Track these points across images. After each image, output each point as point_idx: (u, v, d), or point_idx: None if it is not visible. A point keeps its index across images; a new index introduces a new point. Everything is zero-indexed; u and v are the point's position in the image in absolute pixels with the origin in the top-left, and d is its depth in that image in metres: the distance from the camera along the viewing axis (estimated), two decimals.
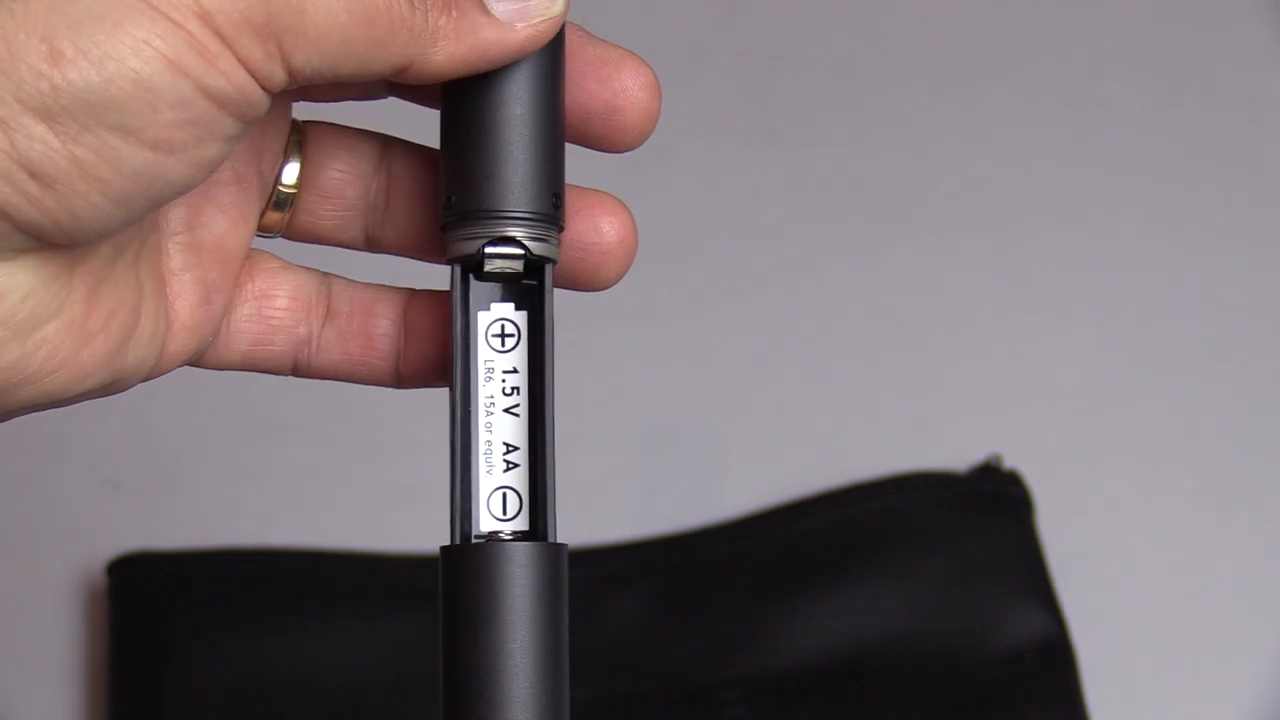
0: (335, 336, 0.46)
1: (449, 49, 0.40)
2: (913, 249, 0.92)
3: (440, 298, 0.46)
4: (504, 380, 0.44)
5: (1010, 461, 0.84)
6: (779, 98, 0.96)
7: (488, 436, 0.44)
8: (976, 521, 0.82)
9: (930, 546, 0.81)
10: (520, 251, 0.43)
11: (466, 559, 0.42)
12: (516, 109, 0.42)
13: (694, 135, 0.94)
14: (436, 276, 0.46)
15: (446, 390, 0.44)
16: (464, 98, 0.42)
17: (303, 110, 0.45)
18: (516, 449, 0.44)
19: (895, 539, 0.81)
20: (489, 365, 0.44)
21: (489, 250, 0.42)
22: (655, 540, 0.83)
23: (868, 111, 0.96)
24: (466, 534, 0.43)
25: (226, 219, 0.44)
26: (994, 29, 0.99)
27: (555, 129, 0.43)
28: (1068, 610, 0.80)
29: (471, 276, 0.43)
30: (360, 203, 0.46)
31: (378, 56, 0.39)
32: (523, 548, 0.42)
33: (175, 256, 0.43)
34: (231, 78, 0.38)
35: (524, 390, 0.44)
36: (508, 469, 0.44)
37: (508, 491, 0.44)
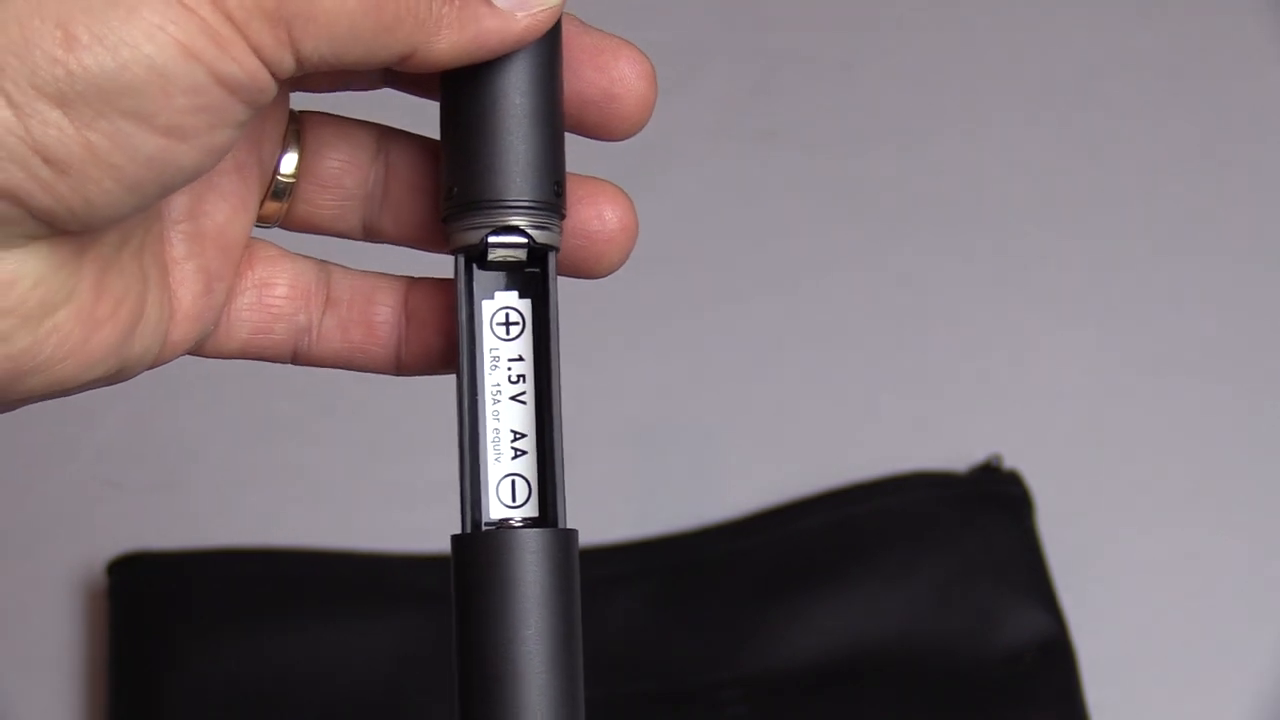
0: (336, 324, 0.46)
1: (451, 37, 0.41)
2: (913, 249, 0.92)
3: (440, 285, 0.46)
4: (510, 368, 0.44)
5: (1010, 461, 0.84)
6: (779, 98, 0.96)
7: (495, 425, 0.44)
8: (976, 521, 0.82)
9: (930, 546, 0.81)
10: (523, 240, 0.43)
11: (478, 547, 0.42)
12: (516, 98, 0.42)
13: (694, 135, 0.94)
14: (433, 265, 0.46)
15: (446, 387, 0.44)
16: (464, 88, 0.42)
17: (299, 100, 0.45)
18: (524, 436, 0.44)
19: (895, 539, 0.81)
20: (494, 354, 0.44)
21: (492, 240, 0.43)
22: (655, 540, 0.83)
23: (868, 111, 0.96)
24: (477, 522, 0.43)
25: (228, 207, 0.44)
26: (994, 29, 0.99)
27: (555, 118, 0.43)
28: (1068, 610, 0.80)
29: (475, 266, 0.44)
30: (358, 192, 0.46)
31: (384, 44, 0.40)
32: (533, 534, 0.42)
33: (178, 245, 0.43)
34: (244, 64, 0.38)
35: (530, 377, 0.44)
36: (516, 456, 0.44)
37: (516, 479, 0.44)
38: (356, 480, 0.86)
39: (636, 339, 0.89)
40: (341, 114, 0.46)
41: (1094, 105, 0.97)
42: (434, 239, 0.45)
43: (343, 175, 0.46)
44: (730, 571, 0.82)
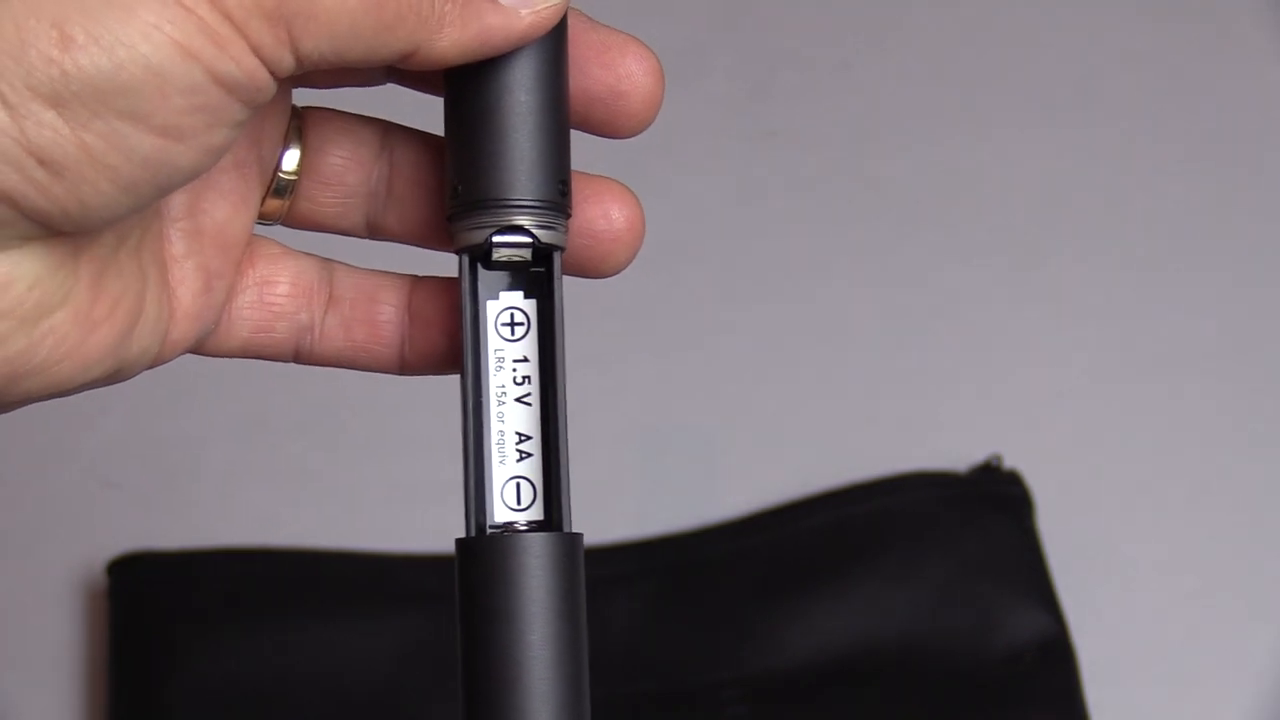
0: (338, 323, 0.46)
1: (454, 35, 0.40)
2: (912, 249, 0.92)
3: (445, 284, 0.46)
4: (515, 369, 0.43)
5: (1010, 461, 0.84)
6: (779, 98, 0.96)
7: (500, 426, 0.43)
8: (976, 521, 0.82)
9: (930, 546, 0.81)
10: (528, 240, 0.42)
11: (482, 551, 0.42)
12: (522, 96, 0.42)
13: (694, 135, 0.94)
14: (438, 263, 0.46)
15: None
16: (469, 86, 0.42)
17: (303, 96, 0.45)
18: (529, 438, 0.43)
19: (895, 539, 0.81)
20: (499, 354, 0.43)
21: (497, 239, 0.42)
22: (655, 540, 0.83)
23: (868, 111, 0.96)
24: (481, 525, 0.43)
25: (228, 205, 0.44)
26: (994, 29, 0.99)
27: (561, 116, 0.43)
28: (1068, 610, 0.80)
29: (480, 265, 0.43)
30: (361, 189, 0.46)
31: (385, 42, 0.39)
32: (539, 538, 0.42)
33: (177, 243, 0.43)
34: (242, 63, 0.37)
35: (535, 379, 0.43)
36: (521, 459, 0.43)
37: (521, 481, 0.43)
38: (356, 480, 0.86)
39: (636, 339, 0.89)
40: (345, 110, 0.46)
41: (1094, 105, 0.97)
42: (439, 237, 0.45)
43: (345, 172, 0.45)
44: (730, 571, 0.82)
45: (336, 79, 0.44)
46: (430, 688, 0.77)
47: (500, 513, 0.43)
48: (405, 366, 0.46)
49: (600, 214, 0.44)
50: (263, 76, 0.38)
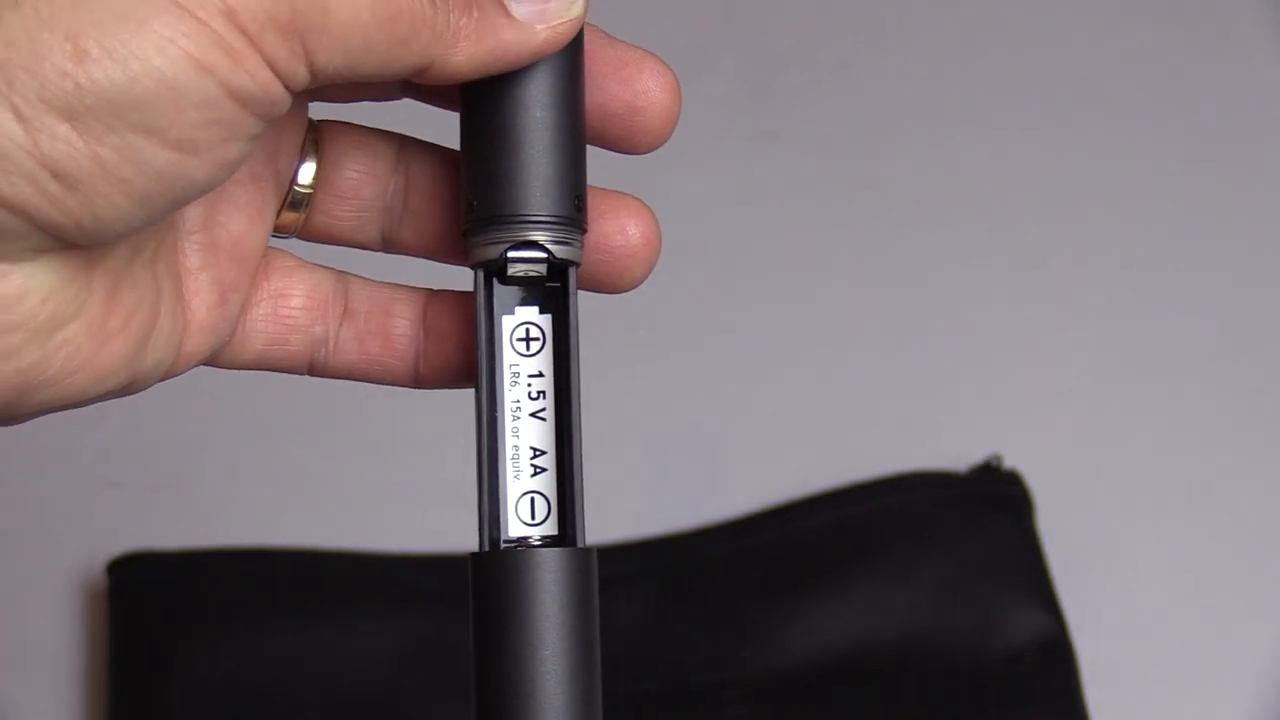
0: (353, 336, 0.46)
1: (469, 50, 0.40)
2: (912, 249, 0.92)
3: (460, 298, 0.46)
4: (530, 384, 0.43)
5: (1010, 461, 0.84)
6: (779, 98, 0.96)
7: (515, 441, 0.43)
8: (976, 521, 0.82)
9: (930, 546, 0.81)
10: (543, 255, 0.42)
11: (496, 566, 0.42)
12: (537, 111, 0.42)
13: (694, 135, 0.94)
14: (452, 277, 0.46)
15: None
16: (484, 101, 0.42)
17: (319, 110, 0.45)
18: (544, 453, 0.43)
19: (895, 539, 0.81)
20: (514, 370, 0.43)
21: (512, 255, 0.42)
22: (655, 540, 0.83)
23: (868, 111, 0.96)
24: (495, 540, 0.43)
25: (243, 218, 0.44)
26: (994, 29, 0.99)
27: (576, 131, 0.42)
28: (1068, 610, 0.80)
29: (495, 280, 0.43)
30: (377, 203, 0.45)
31: (399, 56, 0.39)
32: (553, 554, 0.42)
33: (192, 255, 0.43)
34: (257, 77, 0.37)
35: (550, 394, 0.43)
36: (535, 474, 0.43)
37: (536, 496, 0.43)
38: (357, 480, 0.86)
39: (636, 339, 0.89)
40: (362, 124, 0.46)
41: (1094, 105, 0.97)
42: (454, 251, 0.45)
43: (361, 186, 0.45)
44: (731, 571, 0.82)
45: (352, 93, 0.44)
46: (430, 688, 0.77)
47: (514, 527, 0.43)
48: (420, 380, 0.46)
49: (617, 230, 0.44)
50: (277, 90, 0.38)
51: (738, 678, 0.78)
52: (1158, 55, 0.98)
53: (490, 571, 0.42)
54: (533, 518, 0.43)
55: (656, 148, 0.44)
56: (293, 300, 0.45)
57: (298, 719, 0.77)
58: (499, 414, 0.43)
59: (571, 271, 0.43)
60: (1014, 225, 0.93)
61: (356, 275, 0.46)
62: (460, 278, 0.45)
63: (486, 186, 0.42)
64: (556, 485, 0.43)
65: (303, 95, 0.40)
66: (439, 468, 0.84)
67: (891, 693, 0.78)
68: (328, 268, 0.46)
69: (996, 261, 0.92)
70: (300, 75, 0.38)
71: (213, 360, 0.45)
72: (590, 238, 0.44)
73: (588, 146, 0.43)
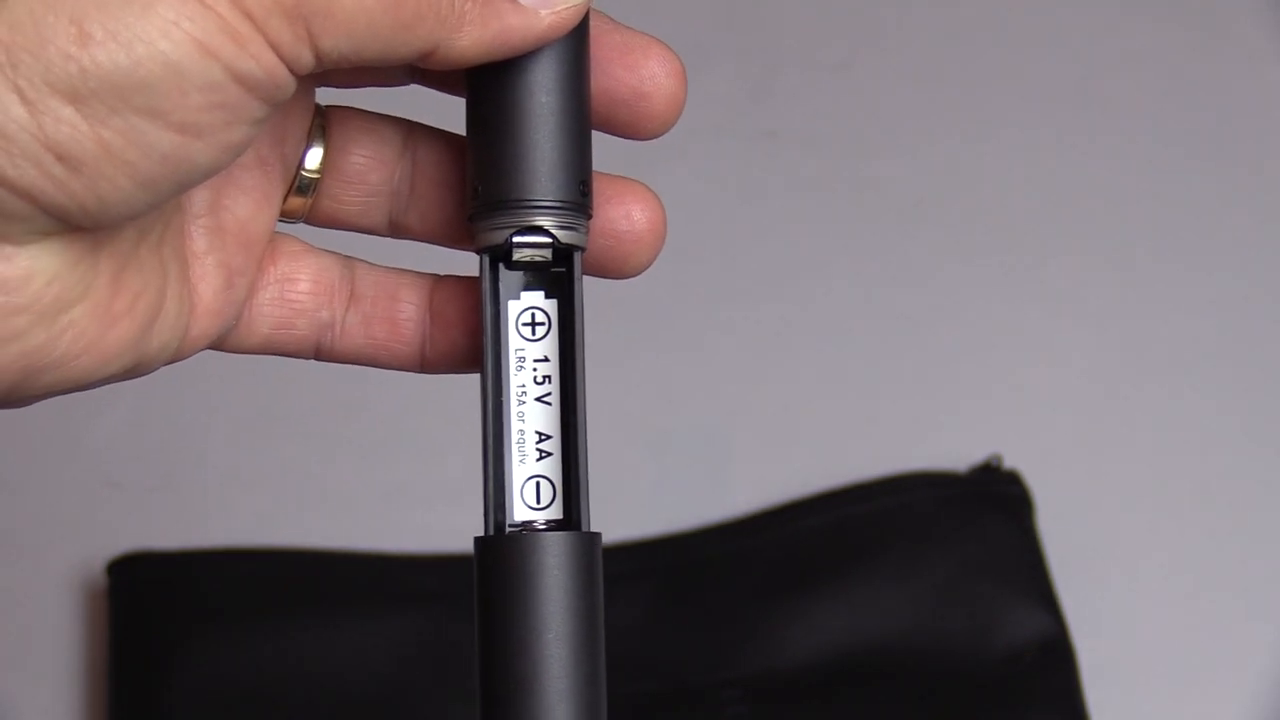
0: (359, 321, 0.46)
1: (474, 34, 0.40)
2: (913, 249, 0.92)
3: (466, 283, 0.46)
4: (535, 369, 0.44)
5: (1010, 461, 0.84)
6: (779, 98, 0.96)
7: (520, 426, 0.43)
8: (976, 521, 0.82)
9: (930, 546, 0.81)
10: (548, 240, 0.42)
11: (501, 549, 0.42)
12: (543, 97, 0.42)
13: (695, 135, 0.94)
14: (458, 262, 0.46)
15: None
16: (490, 86, 0.42)
17: (326, 95, 0.45)
18: (549, 437, 0.43)
19: (895, 539, 0.81)
20: (520, 354, 0.44)
21: (517, 240, 0.42)
22: (655, 540, 0.83)
23: (868, 111, 0.96)
24: (500, 524, 0.43)
25: (250, 202, 0.44)
26: (994, 29, 0.99)
27: (582, 117, 0.43)
28: (1068, 610, 0.80)
29: (500, 265, 0.43)
30: (384, 188, 0.46)
31: (404, 40, 0.39)
32: (557, 537, 0.42)
33: (199, 239, 0.43)
34: (261, 61, 0.37)
35: (555, 378, 0.44)
36: (541, 458, 0.43)
37: (541, 480, 0.43)
38: (357, 480, 0.86)
39: (635, 338, 0.89)
40: (368, 109, 0.46)
41: (1094, 105, 0.97)
42: (461, 236, 0.45)
43: (368, 171, 0.45)
44: (730, 571, 0.82)
45: (357, 78, 0.44)
46: (430, 688, 0.77)
47: (520, 511, 0.43)
48: (426, 365, 0.46)
49: (622, 214, 0.45)
50: (282, 74, 0.38)
51: (738, 678, 0.78)
52: (1158, 55, 0.98)
53: (495, 555, 0.42)
54: (538, 502, 0.43)
55: (662, 133, 0.44)
56: (299, 285, 0.45)
57: (297, 719, 0.77)
58: (504, 398, 0.43)
59: (577, 256, 0.43)
60: (1014, 225, 0.93)
61: (363, 260, 0.46)
62: (466, 263, 0.45)
63: (492, 171, 0.42)
64: (562, 469, 0.43)
65: (308, 80, 0.40)
66: (439, 468, 0.84)
67: (891, 693, 0.78)
68: (334, 253, 0.46)
69: (996, 261, 0.92)
70: (305, 59, 0.38)
71: (219, 344, 0.45)
72: (595, 223, 0.44)
73: (593, 132, 0.43)
